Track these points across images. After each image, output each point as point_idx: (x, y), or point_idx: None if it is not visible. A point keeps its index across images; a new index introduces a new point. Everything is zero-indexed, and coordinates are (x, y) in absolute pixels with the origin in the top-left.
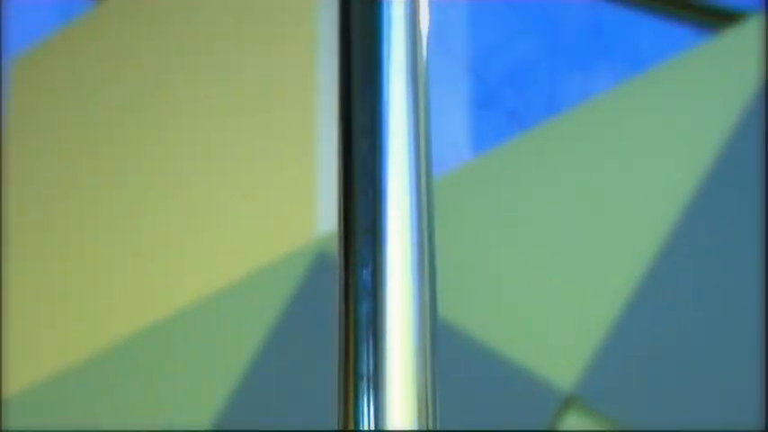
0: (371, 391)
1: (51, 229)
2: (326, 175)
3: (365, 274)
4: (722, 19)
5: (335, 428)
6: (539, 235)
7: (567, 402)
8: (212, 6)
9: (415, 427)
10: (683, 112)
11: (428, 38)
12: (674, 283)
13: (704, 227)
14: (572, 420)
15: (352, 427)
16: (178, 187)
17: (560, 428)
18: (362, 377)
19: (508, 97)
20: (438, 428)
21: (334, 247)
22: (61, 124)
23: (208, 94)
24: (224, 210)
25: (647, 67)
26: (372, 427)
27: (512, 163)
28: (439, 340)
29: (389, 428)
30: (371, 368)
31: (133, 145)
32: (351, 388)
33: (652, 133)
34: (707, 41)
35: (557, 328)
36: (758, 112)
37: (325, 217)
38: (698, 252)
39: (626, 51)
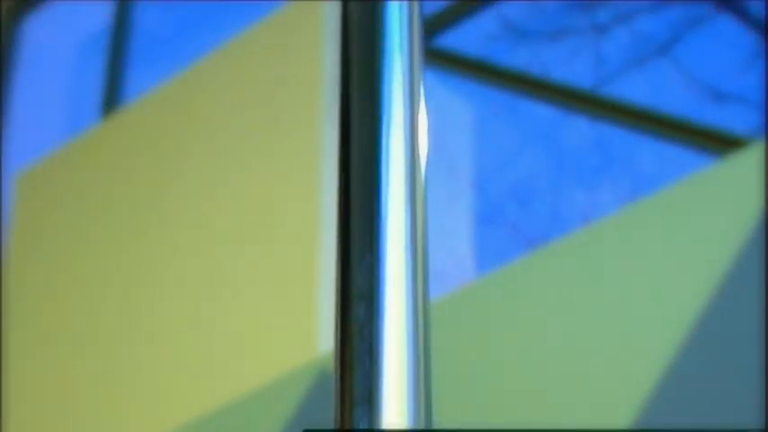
0: None
1: (51, 345)
2: (327, 294)
3: None
4: (723, 143)
5: None
6: (544, 357)
7: None
8: (218, 129)
9: None
10: (683, 239)
11: (426, 191)
12: (673, 412)
13: (704, 355)
14: None
15: None
16: (180, 305)
17: None
18: None
19: (511, 213)
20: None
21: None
22: (64, 240)
23: (212, 215)
24: (225, 329)
25: (648, 184)
26: None
27: (514, 285)
28: None
29: None
30: None
31: (137, 263)
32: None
33: (653, 259)
34: (708, 166)
35: None
36: (759, 239)
37: (325, 335)
38: (697, 381)
39: (628, 168)
